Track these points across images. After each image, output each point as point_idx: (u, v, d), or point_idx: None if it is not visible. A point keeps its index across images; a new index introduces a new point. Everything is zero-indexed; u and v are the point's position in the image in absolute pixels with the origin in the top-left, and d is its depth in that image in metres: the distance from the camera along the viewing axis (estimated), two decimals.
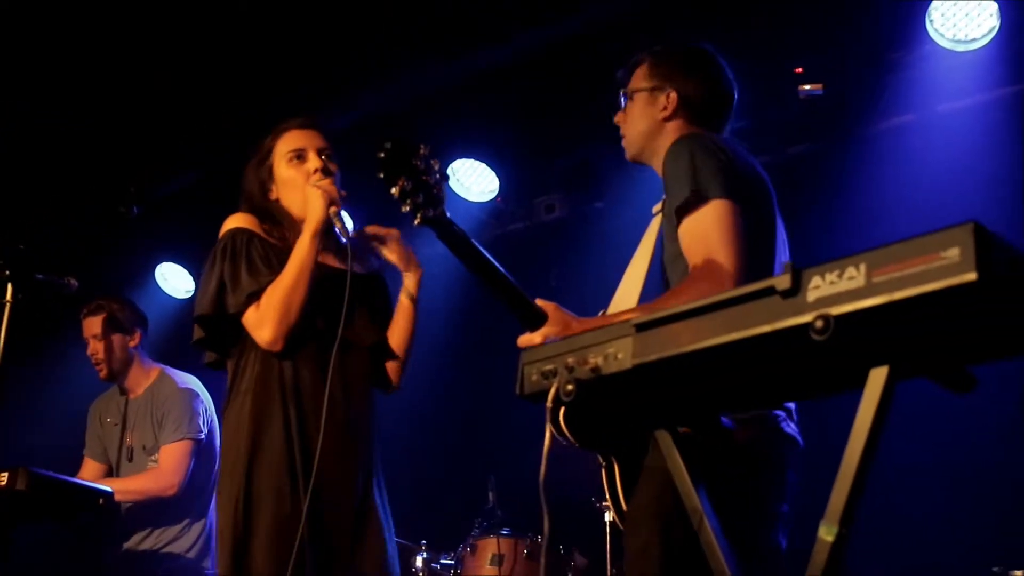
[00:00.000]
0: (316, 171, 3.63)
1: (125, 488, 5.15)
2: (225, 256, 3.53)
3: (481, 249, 3.13)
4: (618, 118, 3.41)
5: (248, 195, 3.76)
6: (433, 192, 3.03)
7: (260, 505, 3.38)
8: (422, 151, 3.08)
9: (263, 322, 3.45)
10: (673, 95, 3.26)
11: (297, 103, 6.64)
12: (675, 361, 1.85)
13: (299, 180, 3.64)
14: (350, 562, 3.43)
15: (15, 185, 6.99)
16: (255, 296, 3.47)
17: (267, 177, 3.73)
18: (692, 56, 3.38)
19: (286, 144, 3.71)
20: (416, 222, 3.01)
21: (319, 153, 3.70)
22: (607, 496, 3.07)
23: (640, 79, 3.35)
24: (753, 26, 5.72)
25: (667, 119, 3.27)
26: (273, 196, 3.72)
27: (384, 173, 3.00)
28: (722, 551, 2.02)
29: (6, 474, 4.09)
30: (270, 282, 3.48)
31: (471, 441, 7.13)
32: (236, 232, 3.58)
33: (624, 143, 3.38)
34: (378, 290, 3.82)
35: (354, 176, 7.26)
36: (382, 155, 2.99)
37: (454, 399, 7.33)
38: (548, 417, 1.99)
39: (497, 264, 3.10)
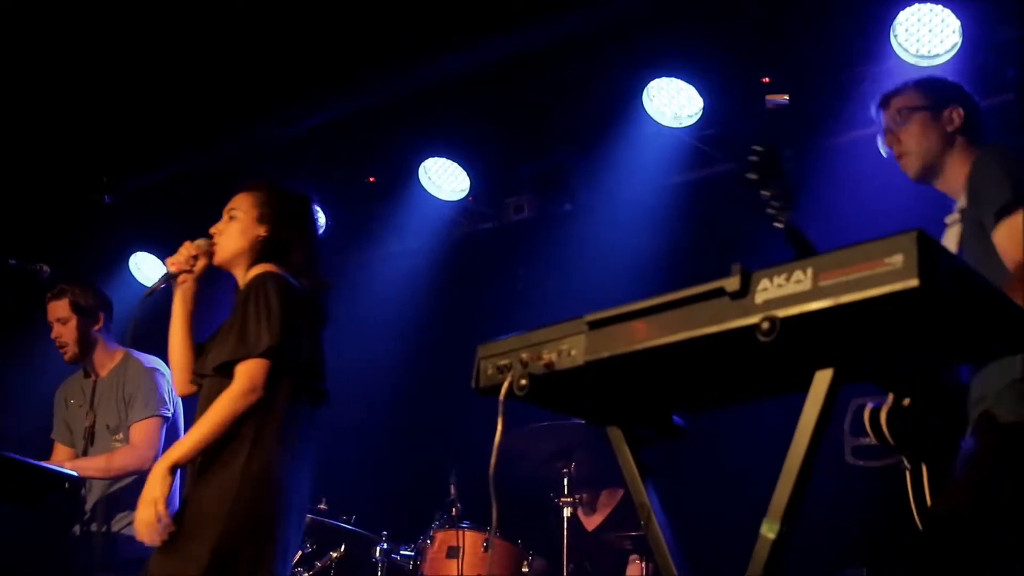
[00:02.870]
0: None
1: (102, 466, 5.20)
2: None
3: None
4: (891, 139, 3.58)
5: None
6: (791, 197, 3.11)
7: None
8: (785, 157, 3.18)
9: None
10: (960, 111, 3.46)
11: (272, 103, 6.68)
12: (626, 359, 1.90)
13: None
14: None
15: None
16: None
17: None
18: (947, 80, 3.64)
19: None
20: (779, 225, 3.07)
21: (225, 212, 4.10)
22: (911, 499, 3.14)
23: (915, 99, 3.53)
24: (721, 38, 5.78)
25: (955, 132, 3.45)
26: None
27: (757, 175, 3.06)
28: (667, 544, 2.07)
29: None
30: None
31: (433, 433, 7.16)
32: None
33: (906, 161, 3.56)
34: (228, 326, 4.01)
35: (325, 174, 7.33)
36: (756, 159, 3.05)
37: (416, 390, 7.36)
38: (500, 410, 2.04)
39: None
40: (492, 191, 7.28)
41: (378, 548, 5.55)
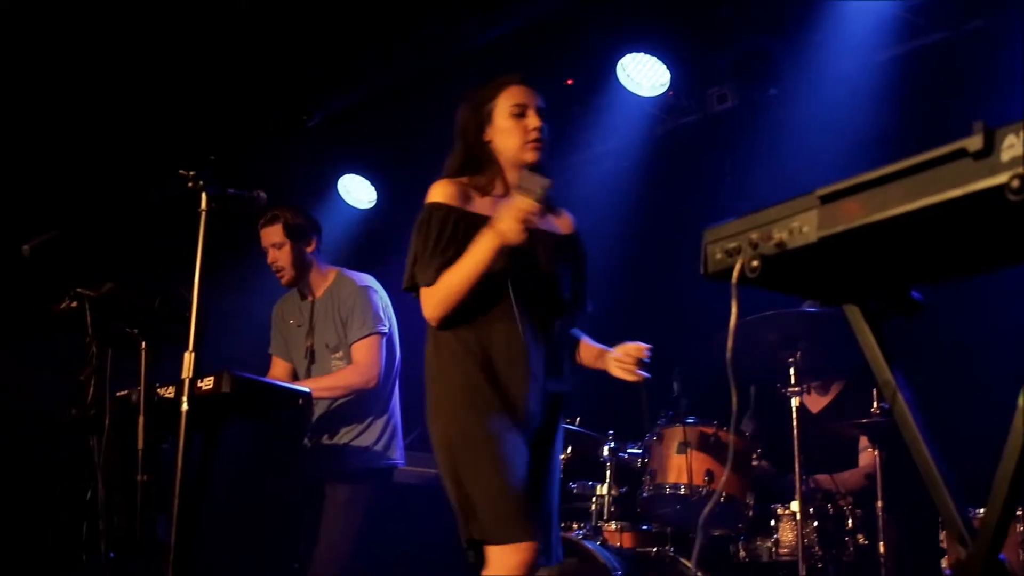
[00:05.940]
0: (534, 129, 3.92)
1: (329, 385, 5.37)
2: (420, 232, 3.85)
3: None
4: None
5: (463, 131, 4.04)
6: None
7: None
8: None
9: (429, 305, 3.82)
10: None
11: (463, 10, 6.67)
12: (862, 232, 1.80)
13: (518, 132, 3.94)
14: None
15: (208, 100, 7.21)
16: (430, 283, 3.79)
17: (485, 120, 4.00)
18: None
19: (510, 98, 3.99)
20: None
21: (538, 112, 3.98)
22: None
23: None
24: None
25: None
26: (487, 138, 3.99)
27: None
28: (915, 421, 2.00)
29: (212, 378, 4.24)
30: (446, 268, 3.77)
31: (651, 331, 7.13)
32: (433, 208, 3.86)
33: None
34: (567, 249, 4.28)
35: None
36: None
37: (632, 290, 7.33)
38: (733, 294, 1.98)
39: None
40: (693, 83, 7.16)
41: (605, 448, 5.58)
